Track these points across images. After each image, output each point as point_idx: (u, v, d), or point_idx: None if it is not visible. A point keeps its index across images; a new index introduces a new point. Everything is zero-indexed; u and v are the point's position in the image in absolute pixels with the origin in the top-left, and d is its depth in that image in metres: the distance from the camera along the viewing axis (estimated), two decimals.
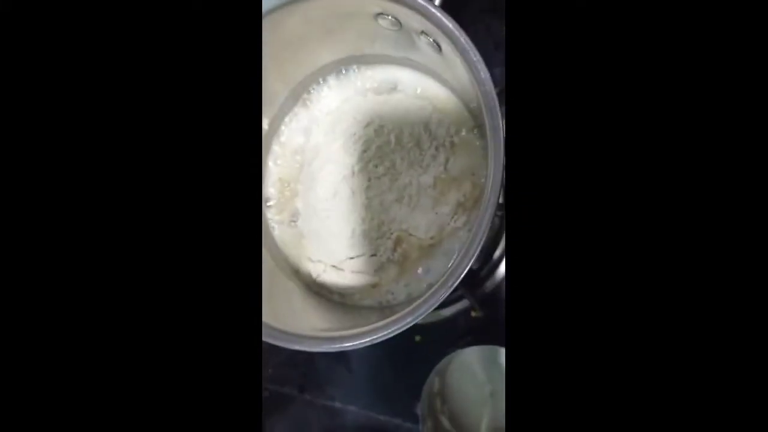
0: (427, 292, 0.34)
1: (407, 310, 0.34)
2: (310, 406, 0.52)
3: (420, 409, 0.46)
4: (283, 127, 0.47)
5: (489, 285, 0.47)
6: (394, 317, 0.34)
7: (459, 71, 0.35)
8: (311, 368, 0.52)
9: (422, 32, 0.35)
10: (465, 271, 0.33)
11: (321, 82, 0.46)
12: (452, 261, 0.33)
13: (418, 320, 0.34)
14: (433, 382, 0.47)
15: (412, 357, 0.50)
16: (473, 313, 0.48)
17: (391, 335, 0.34)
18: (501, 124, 0.32)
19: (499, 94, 0.33)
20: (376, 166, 0.44)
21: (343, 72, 0.46)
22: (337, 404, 0.52)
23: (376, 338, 0.34)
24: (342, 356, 0.52)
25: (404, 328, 0.34)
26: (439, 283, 0.34)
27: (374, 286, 0.45)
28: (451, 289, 0.33)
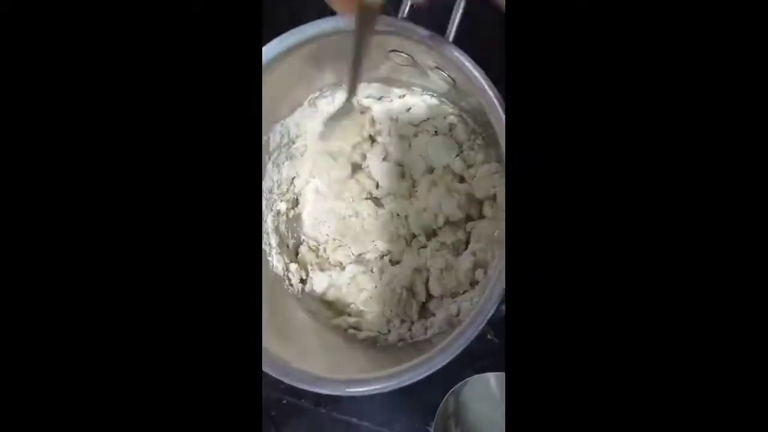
0: (456, 331, 0.33)
1: (437, 349, 0.33)
2: (325, 418, 0.53)
3: (434, 429, 0.46)
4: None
5: (504, 309, 0.47)
6: (424, 357, 0.34)
7: (473, 99, 0.35)
8: None
9: (436, 67, 0.34)
10: (493, 310, 0.33)
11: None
12: (481, 298, 0.33)
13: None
14: (447, 402, 0.47)
15: (427, 377, 0.50)
16: (489, 337, 0.48)
17: (423, 376, 0.34)
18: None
19: None
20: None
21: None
22: (353, 420, 0.52)
23: (406, 381, 0.34)
24: None
25: (436, 368, 0.34)
26: (466, 322, 0.33)
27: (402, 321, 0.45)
28: (479, 328, 0.33)
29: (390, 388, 0.34)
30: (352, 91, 0.37)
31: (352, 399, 0.52)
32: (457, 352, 0.33)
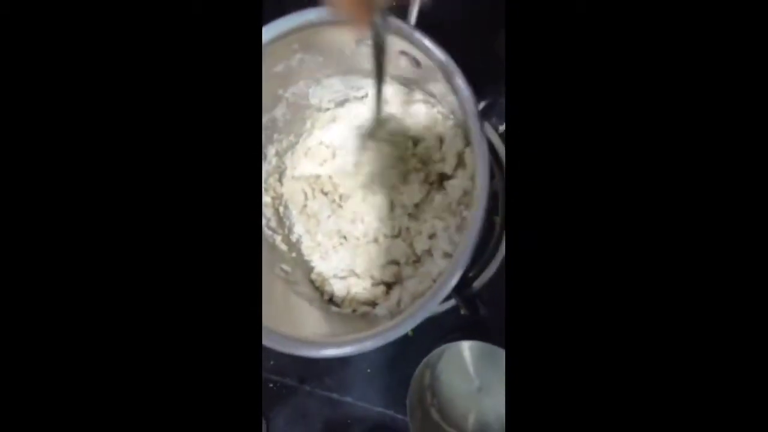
0: (419, 300, 0.36)
1: (400, 318, 0.36)
2: (309, 396, 0.56)
3: (409, 400, 0.49)
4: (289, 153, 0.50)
5: (476, 285, 0.50)
6: (394, 321, 0.36)
7: (439, 82, 0.38)
8: (311, 360, 0.55)
9: (402, 52, 0.38)
10: (456, 281, 0.35)
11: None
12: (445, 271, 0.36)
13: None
14: (423, 375, 0.50)
15: (405, 351, 0.53)
16: (462, 311, 0.50)
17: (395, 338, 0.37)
18: (482, 130, 0.35)
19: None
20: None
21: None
22: (335, 395, 0.55)
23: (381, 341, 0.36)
24: None
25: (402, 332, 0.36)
26: (430, 293, 0.36)
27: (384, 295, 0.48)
28: (442, 297, 0.35)
29: (367, 349, 0.36)
30: (379, 104, 0.38)
31: (334, 376, 0.55)
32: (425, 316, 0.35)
